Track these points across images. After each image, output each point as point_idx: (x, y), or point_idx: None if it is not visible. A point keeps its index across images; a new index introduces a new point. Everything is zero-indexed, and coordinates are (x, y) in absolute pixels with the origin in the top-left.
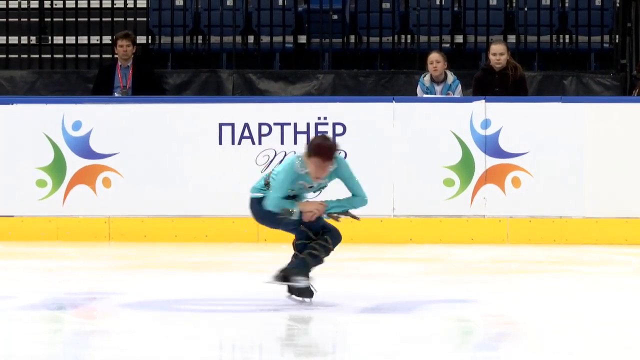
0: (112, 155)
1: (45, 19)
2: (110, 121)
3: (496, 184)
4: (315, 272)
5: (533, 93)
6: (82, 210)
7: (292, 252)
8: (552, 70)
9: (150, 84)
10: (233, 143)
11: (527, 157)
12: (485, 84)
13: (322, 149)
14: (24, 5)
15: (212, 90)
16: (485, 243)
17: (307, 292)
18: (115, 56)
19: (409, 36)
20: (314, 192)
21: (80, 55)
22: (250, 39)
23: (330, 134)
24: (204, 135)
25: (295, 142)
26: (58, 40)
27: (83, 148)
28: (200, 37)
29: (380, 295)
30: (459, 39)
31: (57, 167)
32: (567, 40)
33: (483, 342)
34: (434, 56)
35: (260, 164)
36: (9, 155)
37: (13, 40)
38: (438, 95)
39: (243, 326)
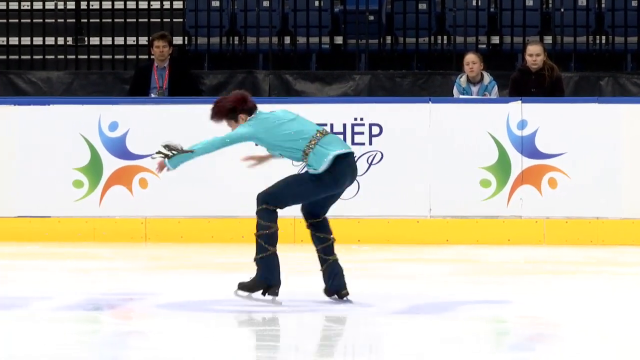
0: (149, 156)
1: (82, 20)
2: (147, 122)
3: (533, 185)
4: (351, 273)
5: (569, 94)
6: (118, 211)
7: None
8: (589, 71)
9: (186, 84)
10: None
11: (563, 157)
12: (522, 84)
13: (213, 108)
14: (61, 6)
15: (248, 91)
16: (522, 244)
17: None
18: (152, 57)
19: (445, 37)
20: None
21: (116, 56)
22: (287, 39)
23: (366, 135)
24: None
25: None
26: (94, 41)
27: (119, 149)
28: (236, 38)
29: (416, 296)
30: (496, 39)
31: (93, 168)
32: (603, 41)
33: (519, 343)
34: (471, 57)
35: (297, 165)
36: (45, 156)
37: (50, 41)
38: (474, 96)
39: (279, 327)
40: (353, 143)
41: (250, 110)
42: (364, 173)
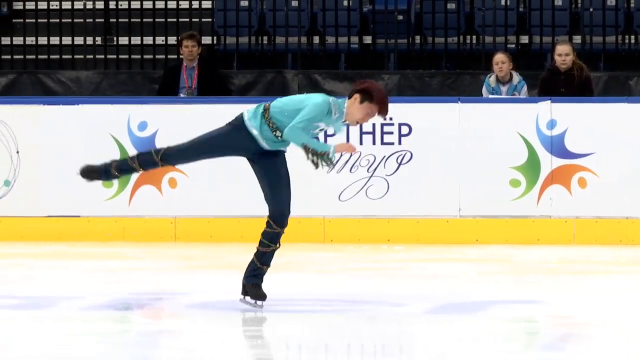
0: None
1: (111, 20)
2: (176, 122)
3: (562, 185)
4: (381, 273)
5: (598, 93)
6: (148, 210)
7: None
8: (618, 70)
9: (215, 84)
10: None
11: (592, 157)
12: (551, 84)
13: (385, 100)
14: (90, 6)
15: (277, 91)
16: (552, 244)
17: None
18: (181, 57)
19: (474, 37)
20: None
21: (145, 56)
22: (316, 39)
23: (395, 135)
24: None
25: (361, 143)
26: (123, 40)
27: (148, 148)
28: (265, 38)
29: (445, 296)
30: (525, 39)
31: None
32: (632, 41)
33: (549, 343)
34: (500, 57)
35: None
36: (75, 156)
37: (78, 40)
38: (504, 96)
39: (309, 326)
40: (382, 143)
41: None
42: (394, 173)
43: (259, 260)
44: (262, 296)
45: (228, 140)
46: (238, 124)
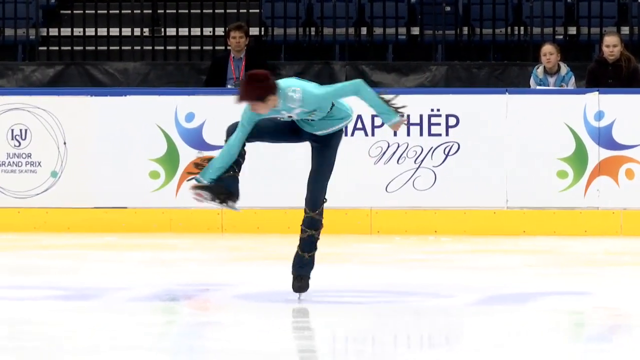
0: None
1: (158, 11)
2: (223, 112)
3: (610, 176)
4: (429, 264)
5: None
6: (194, 201)
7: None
8: None
9: None
10: (346, 135)
11: None
12: (599, 75)
13: (239, 93)
14: None
15: (325, 82)
16: (599, 235)
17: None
18: (228, 48)
19: (522, 28)
20: (307, 116)
21: (193, 47)
22: (363, 30)
23: (443, 126)
24: None
25: (408, 134)
26: (171, 32)
27: (196, 139)
28: (313, 29)
29: (492, 287)
30: (572, 30)
31: (170, 159)
32: None
33: (596, 335)
34: (548, 48)
35: (373, 156)
36: (122, 147)
37: (126, 32)
38: (551, 87)
39: (356, 318)
40: (429, 134)
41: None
42: (441, 164)
43: (299, 248)
44: (300, 288)
45: (280, 126)
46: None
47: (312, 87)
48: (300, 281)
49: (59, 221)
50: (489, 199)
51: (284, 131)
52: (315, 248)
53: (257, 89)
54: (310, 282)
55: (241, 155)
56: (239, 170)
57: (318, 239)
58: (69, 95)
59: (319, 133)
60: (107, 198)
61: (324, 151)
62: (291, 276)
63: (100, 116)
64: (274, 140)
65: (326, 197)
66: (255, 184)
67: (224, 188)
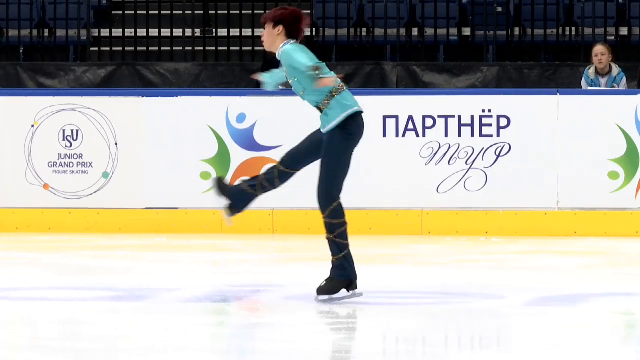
0: (276, 147)
1: (210, 12)
2: (275, 113)
3: None
4: (480, 265)
5: None
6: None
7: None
8: None
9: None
10: (397, 135)
11: None
12: None
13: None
14: None
15: (376, 83)
16: None
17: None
18: None
19: (573, 28)
20: (298, 88)
21: (244, 48)
22: (415, 31)
23: (494, 127)
24: (368, 128)
25: (460, 135)
26: (222, 32)
27: (247, 140)
28: (364, 30)
29: (544, 288)
30: (624, 31)
31: (221, 159)
32: None
33: None
34: (599, 48)
35: (424, 157)
36: (173, 148)
37: (177, 32)
38: (603, 88)
39: (406, 318)
40: (481, 135)
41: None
42: (492, 165)
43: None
44: (329, 291)
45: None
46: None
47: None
48: (331, 283)
49: (110, 222)
50: (540, 200)
51: (317, 143)
52: (339, 250)
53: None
54: (361, 281)
55: (274, 181)
56: (260, 193)
57: (340, 237)
58: (120, 96)
59: (323, 131)
60: (159, 199)
61: (323, 153)
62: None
63: (151, 117)
64: (314, 157)
65: (338, 200)
66: (306, 185)
67: (231, 195)
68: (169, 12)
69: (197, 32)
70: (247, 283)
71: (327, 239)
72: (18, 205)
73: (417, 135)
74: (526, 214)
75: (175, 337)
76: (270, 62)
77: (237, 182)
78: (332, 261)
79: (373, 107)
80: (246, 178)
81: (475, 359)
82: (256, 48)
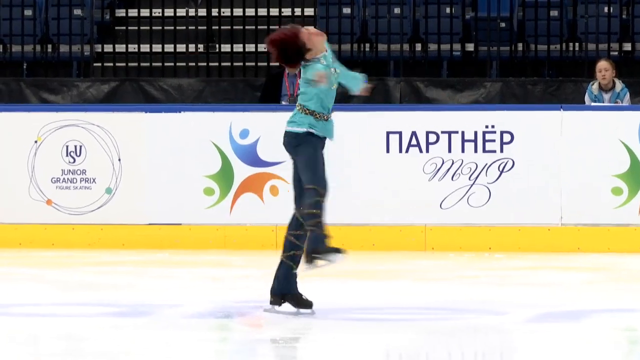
0: (280, 163)
1: (213, 27)
2: (278, 129)
3: None
4: (483, 280)
5: None
6: (249, 218)
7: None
8: None
9: None
10: (400, 151)
11: None
12: None
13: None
14: (192, 13)
15: (379, 98)
16: None
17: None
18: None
19: (577, 44)
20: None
21: (247, 63)
22: (418, 46)
23: (498, 142)
24: (371, 143)
25: (463, 150)
26: (225, 48)
27: (250, 156)
28: (367, 45)
29: (547, 304)
30: (628, 46)
31: (224, 175)
32: None
33: None
34: (603, 64)
35: (428, 172)
36: (176, 163)
37: (181, 48)
38: (606, 104)
39: (409, 334)
40: (484, 150)
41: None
42: (495, 181)
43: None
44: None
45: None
46: (307, 140)
47: None
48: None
49: (113, 237)
50: (543, 216)
51: None
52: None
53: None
54: (364, 297)
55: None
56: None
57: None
58: (123, 112)
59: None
60: (162, 214)
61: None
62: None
63: (154, 132)
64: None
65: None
66: None
67: (319, 249)
68: (172, 27)
69: (200, 47)
70: (250, 299)
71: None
72: (21, 221)
73: (421, 151)
74: (529, 230)
75: (178, 353)
76: (275, 77)
77: (309, 234)
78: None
79: (376, 122)
80: (309, 224)
81: None
82: (259, 64)
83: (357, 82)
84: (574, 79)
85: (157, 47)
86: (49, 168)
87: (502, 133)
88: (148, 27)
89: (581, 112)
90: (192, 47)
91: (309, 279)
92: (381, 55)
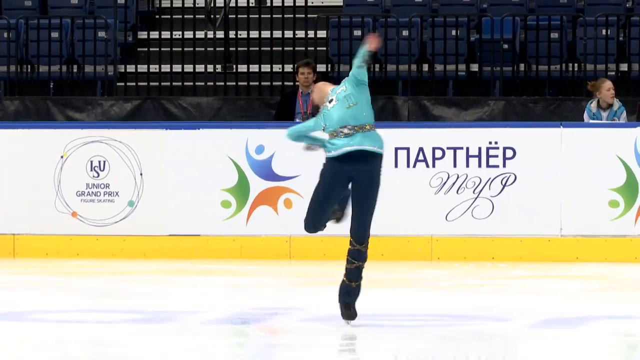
0: (294, 177)
1: (231, 48)
2: (292, 145)
3: None
4: (486, 289)
5: None
6: (264, 229)
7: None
8: None
9: None
10: (408, 166)
11: None
12: None
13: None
14: (210, 35)
15: (388, 116)
16: None
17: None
18: (297, 83)
19: (576, 64)
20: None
21: (263, 83)
22: (425, 67)
23: (500, 158)
24: None
25: (468, 165)
26: (242, 68)
27: (266, 171)
28: (377, 65)
29: (548, 311)
30: (624, 67)
31: (241, 189)
32: None
33: None
34: (610, 84)
35: (434, 186)
36: (195, 178)
37: (200, 68)
38: (604, 121)
39: (416, 340)
40: (488, 165)
41: None
42: (498, 194)
43: (346, 277)
44: (349, 316)
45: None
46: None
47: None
48: (349, 309)
49: (135, 248)
50: (543, 227)
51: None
52: (361, 277)
53: None
54: (373, 305)
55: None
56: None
57: (364, 268)
58: (145, 129)
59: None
60: (181, 226)
61: (369, 185)
62: (339, 305)
63: (174, 148)
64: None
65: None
66: None
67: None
68: (192, 48)
69: (218, 68)
70: (266, 306)
71: (355, 267)
72: (48, 232)
73: (427, 166)
74: (531, 241)
75: (198, 357)
76: (289, 96)
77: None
78: (352, 285)
79: (385, 139)
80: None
81: None
82: (274, 83)
83: (361, 56)
84: (574, 98)
85: (177, 67)
86: (74, 182)
87: (504, 149)
88: (169, 49)
89: (580, 129)
90: (210, 68)
91: (322, 287)
92: (390, 75)
